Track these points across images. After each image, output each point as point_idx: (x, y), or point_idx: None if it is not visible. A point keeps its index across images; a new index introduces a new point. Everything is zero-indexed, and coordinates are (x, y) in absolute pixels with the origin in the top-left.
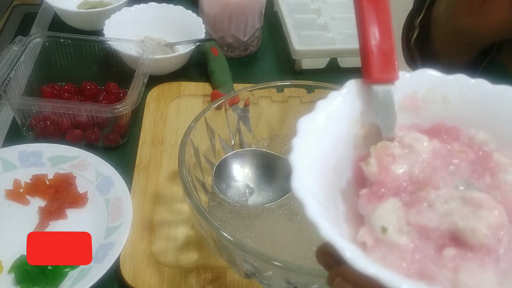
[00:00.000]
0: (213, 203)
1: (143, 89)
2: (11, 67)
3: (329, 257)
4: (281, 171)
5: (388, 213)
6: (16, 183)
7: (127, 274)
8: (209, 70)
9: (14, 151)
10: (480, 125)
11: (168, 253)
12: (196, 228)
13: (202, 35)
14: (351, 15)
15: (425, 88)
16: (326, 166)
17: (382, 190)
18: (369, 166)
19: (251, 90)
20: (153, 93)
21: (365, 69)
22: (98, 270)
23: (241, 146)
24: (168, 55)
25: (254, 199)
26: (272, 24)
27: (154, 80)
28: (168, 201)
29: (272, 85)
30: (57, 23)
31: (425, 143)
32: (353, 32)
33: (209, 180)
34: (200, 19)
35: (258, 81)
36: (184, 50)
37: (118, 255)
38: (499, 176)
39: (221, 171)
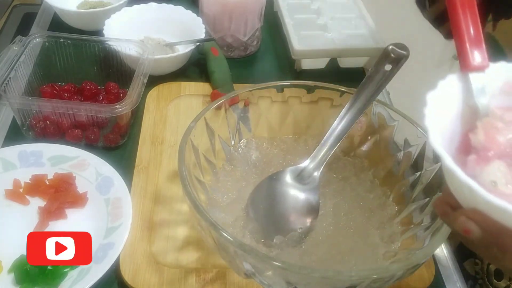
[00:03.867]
0: (214, 204)
1: (143, 89)
2: (11, 67)
3: (446, 205)
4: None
5: (496, 170)
6: (16, 183)
7: (127, 274)
8: (209, 70)
9: (14, 151)
10: None
11: (168, 253)
12: (196, 228)
13: (202, 35)
14: (351, 15)
15: None
16: (445, 134)
17: (489, 154)
18: (477, 136)
19: (251, 90)
20: (153, 93)
21: (461, 60)
22: (97, 270)
23: (240, 146)
24: (168, 55)
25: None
26: (272, 24)
27: (154, 80)
28: (168, 201)
29: (272, 85)
30: (57, 23)
31: None
32: (353, 32)
33: (209, 180)
34: (200, 19)
35: (258, 81)
36: (184, 50)
37: (118, 255)
38: None
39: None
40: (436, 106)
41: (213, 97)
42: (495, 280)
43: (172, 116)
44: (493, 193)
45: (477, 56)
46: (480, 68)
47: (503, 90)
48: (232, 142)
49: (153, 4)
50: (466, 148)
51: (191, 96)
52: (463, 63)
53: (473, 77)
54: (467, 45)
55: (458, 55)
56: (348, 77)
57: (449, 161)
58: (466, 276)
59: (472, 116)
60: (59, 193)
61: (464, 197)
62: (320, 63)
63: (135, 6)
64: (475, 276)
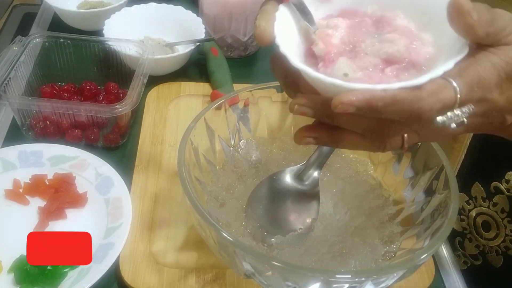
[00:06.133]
0: (214, 204)
1: (143, 89)
2: (11, 67)
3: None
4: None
5: (343, 65)
6: (16, 183)
7: (127, 274)
8: (209, 70)
9: (14, 151)
10: (368, 2)
11: (167, 253)
12: (196, 228)
13: (202, 35)
14: None
15: None
16: (298, 54)
17: (332, 55)
18: (318, 46)
19: (251, 90)
20: (153, 93)
21: None
22: (97, 270)
23: (240, 146)
24: (168, 55)
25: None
26: None
27: (154, 80)
28: (168, 201)
29: (272, 85)
30: (57, 23)
31: (343, 22)
32: None
33: (209, 180)
34: (200, 19)
35: (258, 81)
36: (184, 50)
37: (117, 255)
38: (392, 24)
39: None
40: (282, 35)
41: (213, 97)
42: (483, 232)
43: (172, 116)
44: (350, 81)
45: None
46: None
47: (320, 1)
48: (232, 142)
49: (153, 4)
50: (313, 60)
51: (191, 96)
52: None
53: (293, 2)
54: None
55: None
56: None
57: (313, 73)
58: (454, 233)
59: (308, 33)
60: (59, 193)
61: (331, 93)
62: None
63: (135, 6)
64: (463, 231)
